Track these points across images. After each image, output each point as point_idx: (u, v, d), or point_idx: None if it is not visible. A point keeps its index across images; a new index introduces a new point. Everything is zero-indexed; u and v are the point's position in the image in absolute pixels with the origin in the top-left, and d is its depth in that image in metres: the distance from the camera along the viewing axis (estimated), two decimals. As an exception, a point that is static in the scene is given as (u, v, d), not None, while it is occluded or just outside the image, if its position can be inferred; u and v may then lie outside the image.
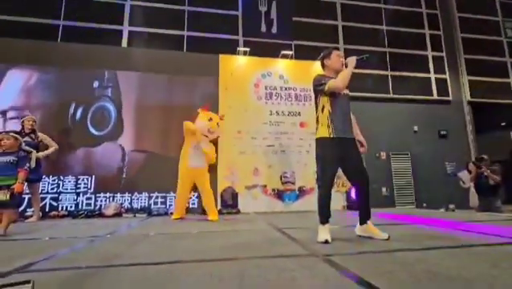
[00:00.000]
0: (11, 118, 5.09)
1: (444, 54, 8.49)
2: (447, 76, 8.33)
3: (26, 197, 4.40)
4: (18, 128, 4.06)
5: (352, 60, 2.23)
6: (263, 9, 7.76)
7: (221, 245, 2.06)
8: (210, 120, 4.21)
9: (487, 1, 9.03)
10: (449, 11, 8.88)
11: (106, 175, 5.20)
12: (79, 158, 5.20)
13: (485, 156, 5.13)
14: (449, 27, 8.77)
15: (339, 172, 2.26)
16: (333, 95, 2.21)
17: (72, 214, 4.75)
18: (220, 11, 7.48)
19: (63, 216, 4.74)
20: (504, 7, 9.10)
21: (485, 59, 8.65)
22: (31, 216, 4.26)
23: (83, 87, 5.46)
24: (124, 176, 5.26)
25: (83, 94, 5.44)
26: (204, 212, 4.39)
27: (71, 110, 5.34)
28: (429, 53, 8.41)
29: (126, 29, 6.92)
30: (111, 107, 5.52)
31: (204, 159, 4.06)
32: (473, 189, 5.44)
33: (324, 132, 2.19)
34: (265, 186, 5.68)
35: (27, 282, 0.73)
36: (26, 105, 5.19)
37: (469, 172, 5.66)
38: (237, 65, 6.21)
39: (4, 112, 5.14)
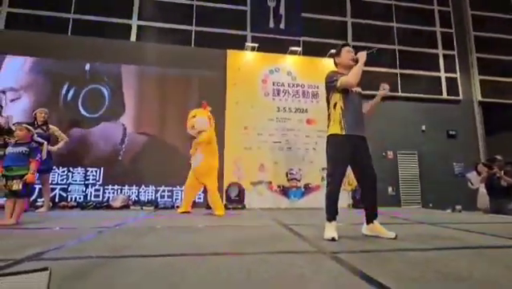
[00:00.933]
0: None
1: (455, 52, 8.31)
2: (457, 75, 8.16)
3: (37, 187, 4.48)
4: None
5: (362, 55, 2.22)
6: (272, 4, 7.68)
7: (227, 239, 2.08)
8: (194, 116, 4.13)
9: (502, -2, 8.80)
10: (461, 8, 8.68)
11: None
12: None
13: (499, 157, 4.99)
14: (462, 25, 8.57)
15: (348, 169, 2.25)
16: (345, 91, 2.20)
17: (81, 205, 4.83)
18: (228, 6, 7.43)
19: (72, 207, 4.83)
20: (519, 5, 8.86)
21: (498, 59, 8.45)
22: (42, 206, 4.35)
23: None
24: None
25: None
26: (209, 207, 4.43)
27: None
28: (440, 51, 8.25)
29: (135, 23, 6.94)
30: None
31: (202, 156, 3.98)
32: (482, 190, 5.36)
33: (336, 128, 2.17)
34: (270, 183, 5.69)
35: (45, 268, 0.74)
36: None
37: (478, 173, 5.57)
38: (245, 61, 6.20)
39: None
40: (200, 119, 4.13)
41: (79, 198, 5.06)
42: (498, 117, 8.57)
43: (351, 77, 2.15)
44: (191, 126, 4.11)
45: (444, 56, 8.23)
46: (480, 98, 8.11)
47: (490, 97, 8.14)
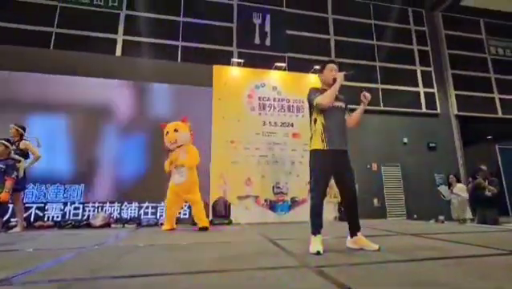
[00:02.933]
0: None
1: (432, 69, 8.76)
2: (435, 90, 8.57)
3: (11, 206, 4.25)
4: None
5: (340, 76, 2.30)
6: (257, 21, 7.91)
7: (213, 256, 2.03)
8: (167, 133, 4.13)
9: (472, 20, 9.42)
10: (436, 28, 9.23)
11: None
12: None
13: (484, 167, 5.10)
14: (436, 43, 9.09)
15: (331, 182, 2.29)
16: (325, 108, 2.26)
17: (59, 225, 4.61)
18: (215, 23, 7.58)
19: (49, 226, 4.60)
20: (487, 26, 9.51)
21: (471, 75, 8.96)
22: (15, 226, 4.11)
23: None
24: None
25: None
26: (194, 223, 4.35)
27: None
28: (418, 67, 8.67)
29: (120, 38, 6.94)
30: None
31: (185, 173, 3.96)
32: (454, 201, 5.52)
33: (318, 144, 2.22)
34: (257, 197, 5.65)
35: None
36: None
37: (449, 184, 5.76)
38: (232, 76, 6.27)
39: None
40: (183, 133, 4.13)
41: (57, 217, 4.83)
42: (474, 129, 8.99)
43: (324, 98, 2.23)
44: (173, 140, 4.07)
45: (422, 72, 8.65)
46: (456, 112, 8.51)
47: (466, 111, 8.56)
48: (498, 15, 9.40)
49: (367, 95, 2.35)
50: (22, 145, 4.07)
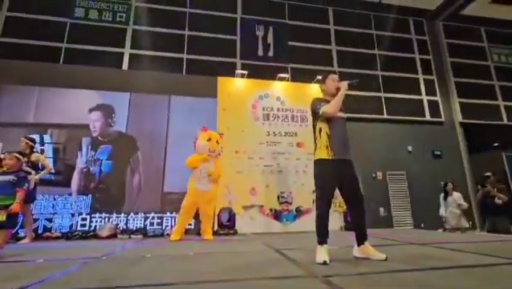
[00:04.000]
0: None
1: (434, 77, 8.79)
2: (438, 98, 8.58)
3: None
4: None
5: (344, 85, 2.35)
6: (260, 34, 8.08)
7: (219, 266, 2.05)
8: (209, 139, 4.31)
9: (473, 28, 9.50)
10: (437, 37, 9.31)
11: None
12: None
13: (491, 174, 5.02)
14: (438, 52, 9.15)
15: (337, 192, 2.31)
16: (329, 118, 2.30)
17: (66, 236, 4.65)
18: (219, 36, 7.76)
19: (57, 237, 4.64)
20: (489, 34, 9.57)
21: (474, 82, 8.97)
22: (24, 237, 4.17)
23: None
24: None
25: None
26: (199, 233, 4.43)
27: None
28: (420, 76, 8.71)
29: (127, 52, 7.12)
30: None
31: (210, 182, 4.21)
32: (454, 210, 5.41)
33: (323, 153, 2.25)
34: (262, 206, 5.65)
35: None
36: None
37: (446, 192, 5.64)
38: (235, 87, 6.38)
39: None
40: (219, 147, 4.47)
41: (64, 228, 4.87)
42: (479, 137, 8.93)
43: (331, 107, 2.27)
44: (213, 149, 4.33)
45: (425, 80, 8.69)
46: (460, 119, 8.49)
47: (470, 118, 8.53)
48: (499, 23, 9.47)
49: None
50: (33, 157, 4.18)
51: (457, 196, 5.51)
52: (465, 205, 5.39)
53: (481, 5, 8.71)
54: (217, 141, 4.43)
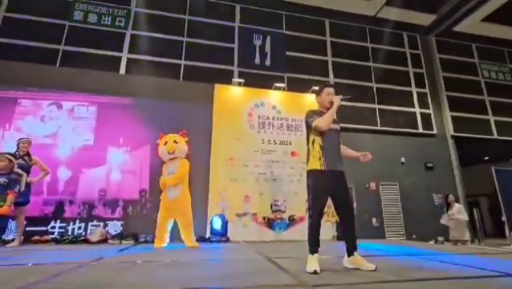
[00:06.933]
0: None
1: (427, 90, 8.99)
2: (431, 111, 8.76)
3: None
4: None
5: (337, 99, 2.41)
6: (258, 43, 8.20)
7: (210, 274, 2.05)
8: (165, 143, 4.19)
9: (465, 44, 9.78)
10: (430, 52, 9.56)
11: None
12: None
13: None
14: (431, 66, 9.38)
15: (329, 202, 2.35)
16: (323, 130, 2.35)
17: (56, 240, 4.57)
18: (217, 43, 7.85)
19: (46, 241, 4.56)
20: (479, 50, 9.87)
21: (466, 97, 9.19)
22: (12, 240, 4.09)
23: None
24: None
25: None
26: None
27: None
28: (413, 89, 8.90)
29: (125, 56, 7.15)
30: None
31: (180, 187, 3.99)
32: (462, 218, 5.49)
33: (316, 164, 2.30)
34: (255, 214, 5.64)
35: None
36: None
37: (448, 204, 5.76)
38: (232, 94, 6.44)
39: None
40: (182, 146, 4.21)
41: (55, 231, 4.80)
42: (471, 150, 9.11)
43: (323, 122, 2.33)
44: (172, 150, 4.11)
45: (418, 94, 8.87)
46: (452, 132, 8.65)
47: (462, 132, 8.70)
48: (489, 41, 9.77)
49: (369, 157, 2.52)
50: (33, 160, 4.16)
51: (457, 208, 5.61)
52: (463, 218, 5.48)
53: (472, 22, 9.00)
54: (175, 141, 4.17)
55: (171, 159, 4.16)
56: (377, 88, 8.59)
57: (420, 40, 9.55)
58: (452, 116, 8.80)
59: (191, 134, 4.54)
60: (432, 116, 8.71)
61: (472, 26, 9.15)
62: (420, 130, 8.46)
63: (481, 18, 8.81)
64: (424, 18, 8.99)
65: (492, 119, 9.08)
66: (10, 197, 2.67)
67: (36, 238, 4.60)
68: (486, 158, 10.81)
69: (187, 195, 4.06)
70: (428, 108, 8.77)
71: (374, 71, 8.77)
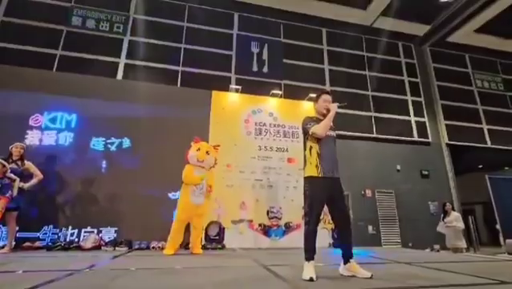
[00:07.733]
0: None
1: (422, 99, 9.12)
2: (426, 119, 8.86)
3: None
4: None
5: (333, 107, 2.44)
6: (255, 50, 8.29)
7: (206, 282, 2.02)
8: (198, 150, 4.27)
9: (458, 55, 9.98)
10: (425, 61, 9.73)
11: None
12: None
13: None
14: (426, 75, 9.54)
15: (325, 209, 2.35)
16: (320, 137, 2.37)
17: (47, 246, 4.49)
18: (215, 50, 7.92)
19: (38, 248, 4.47)
20: (472, 61, 10.07)
21: (460, 106, 9.33)
22: (2, 247, 4.00)
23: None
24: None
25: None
26: (187, 247, 4.33)
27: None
28: (409, 98, 9.02)
29: (122, 62, 7.17)
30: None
31: (204, 195, 4.17)
32: (459, 225, 5.50)
33: (313, 171, 2.30)
34: (251, 221, 5.61)
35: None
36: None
37: (445, 212, 5.78)
38: (229, 101, 6.46)
39: None
40: (211, 159, 4.32)
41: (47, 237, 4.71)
42: (465, 158, 9.20)
43: (320, 129, 2.35)
44: (202, 159, 4.20)
45: (413, 102, 8.99)
46: (447, 140, 8.75)
47: (456, 140, 8.81)
48: (482, 51, 9.98)
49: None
50: (26, 165, 4.09)
51: (454, 216, 5.63)
52: (459, 226, 5.50)
53: (465, 33, 9.21)
54: (207, 152, 4.31)
55: (201, 167, 4.25)
56: (373, 96, 8.69)
57: (414, 50, 9.73)
58: (446, 125, 8.92)
59: (188, 140, 4.53)
60: (427, 124, 8.81)
61: (465, 36, 9.36)
62: (416, 138, 8.55)
63: (474, 28, 9.03)
64: (419, 29, 9.18)
65: (485, 127, 9.22)
66: (2, 202, 2.63)
67: (27, 244, 4.51)
68: (480, 166, 10.92)
69: (208, 204, 4.38)
70: (423, 117, 8.88)
71: (370, 79, 8.88)
